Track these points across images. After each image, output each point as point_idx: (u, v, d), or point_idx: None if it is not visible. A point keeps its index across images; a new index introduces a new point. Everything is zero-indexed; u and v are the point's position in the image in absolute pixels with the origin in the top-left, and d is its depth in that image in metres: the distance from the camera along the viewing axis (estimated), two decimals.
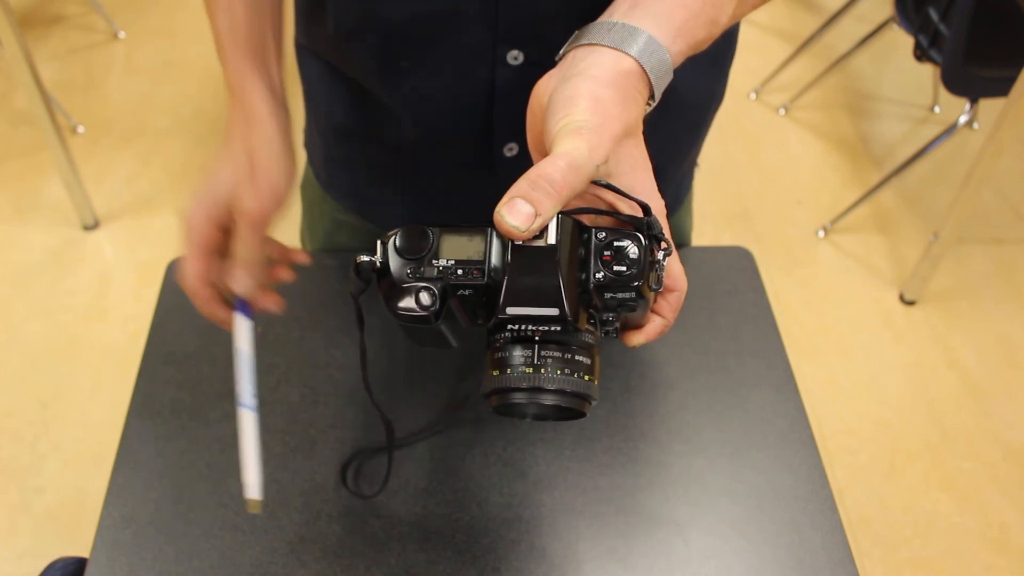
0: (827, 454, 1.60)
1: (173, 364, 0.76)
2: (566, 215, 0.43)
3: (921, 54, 1.79)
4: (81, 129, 2.26)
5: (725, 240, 2.01)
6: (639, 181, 0.46)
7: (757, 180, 2.18)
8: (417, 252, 0.46)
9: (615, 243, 0.44)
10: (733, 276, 0.83)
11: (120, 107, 2.35)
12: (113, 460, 0.70)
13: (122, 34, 2.58)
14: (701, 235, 0.93)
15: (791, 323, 1.84)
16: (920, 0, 1.79)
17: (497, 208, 0.42)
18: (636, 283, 0.44)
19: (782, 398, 0.74)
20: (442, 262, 0.45)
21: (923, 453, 1.62)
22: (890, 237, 2.03)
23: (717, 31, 0.50)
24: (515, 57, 0.62)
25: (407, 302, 0.45)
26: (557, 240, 0.43)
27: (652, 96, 0.47)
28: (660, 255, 0.45)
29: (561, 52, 0.49)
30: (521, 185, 0.42)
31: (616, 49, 0.46)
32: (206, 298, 0.61)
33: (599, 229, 0.44)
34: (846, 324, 1.85)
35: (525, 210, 0.41)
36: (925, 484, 1.58)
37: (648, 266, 0.44)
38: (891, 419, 1.67)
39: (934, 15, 1.73)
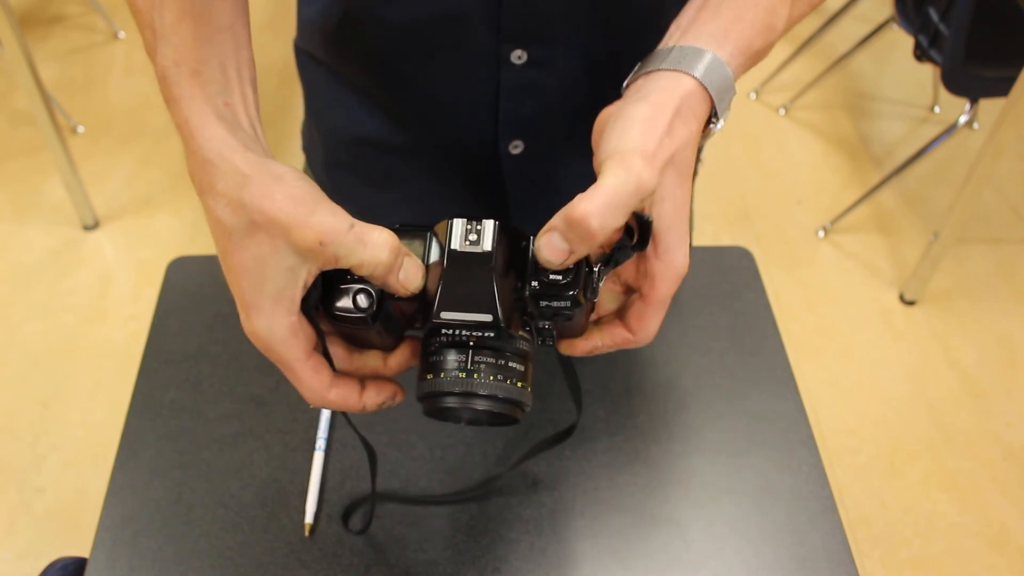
0: (827, 454, 1.60)
1: (173, 364, 0.76)
2: (505, 223, 0.44)
3: (921, 54, 1.79)
4: (81, 129, 2.26)
5: (725, 240, 2.00)
6: (675, 225, 0.44)
7: (757, 180, 2.18)
8: None
9: None
10: (733, 276, 0.83)
11: (120, 107, 2.35)
12: (113, 460, 0.70)
13: (122, 34, 2.58)
14: (701, 235, 0.93)
15: (791, 323, 1.84)
16: (920, 0, 1.79)
17: (538, 236, 0.43)
18: (571, 292, 0.44)
19: (782, 398, 0.74)
20: None
21: (923, 453, 1.62)
22: (890, 237, 2.03)
23: (775, 37, 0.49)
24: (519, 57, 0.62)
25: (344, 303, 0.44)
26: (493, 247, 0.43)
27: (715, 114, 0.47)
28: (596, 268, 0.45)
29: (625, 83, 0.49)
30: (558, 223, 0.42)
31: (675, 71, 0.45)
32: (352, 395, 0.47)
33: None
34: (846, 324, 1.85)
35: (561, 247, 0.42)
36: (925, 484, 1.58)
37: (585, 276, 0.44)
38: (891, 419, 1.67)
39: (934, 15, 1.73)
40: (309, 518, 0.66)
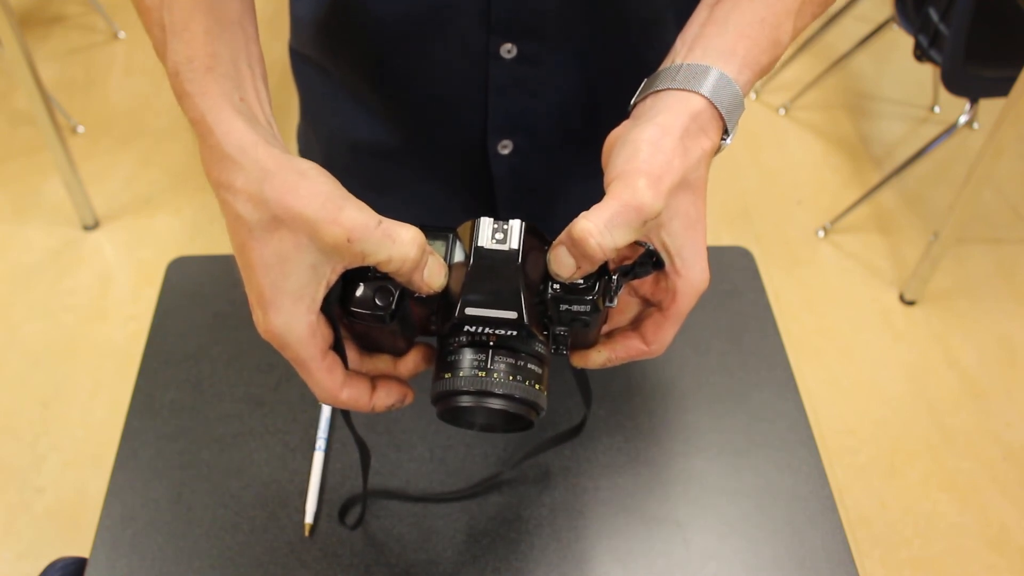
0: (827, 454, 1.60)
1: (173, 364, 0.76)
2: (531, 224, 0.44)
3: (921, 54, 1.79)
4: (81, 129, 2.26)
5: (725, 240, 2.00)
6: (689, 241, 0.45)
7: (757, 180, 2.18)
8: None
9: None
10: (733, 276, 0.83)
11: (120, 107, 2.35)
12: (113, 460, 0.70)
13: (122, 34, 2.58)
14: None
15: (791, 323, 1.84)
16: (920, 0, 1.79)
17: (550, 249, 0.44)
18: (591, 296, 0.44)
19: (782, 398, 0.74)
20: None
21: (923, 453, 1.62)
22: (890, 237, 2.03)
23: (781, 51, 0.49)
24: (508, 50, 0.62)
25: (362, 300, 0.44)
26: (520, 246, 0.43)
27: (726, 131, 0.47)
28: (615, 277, 0.45)
29: (632, 102, 0.49)
30: (564, 238, 0.43)
31: (684, 90, 0.45)
32: (363, 395, 0.47)
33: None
34: (846, 324, 1.85)
35: (567, 262, 0.43)
36: (925, 484, 1.58)
37: (605, 283, 0.45)
38: (891, 419, 1.67)
39: (934, 15, 1.73)
40: (309, 518, 0.66)
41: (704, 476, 0.69)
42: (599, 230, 0.41)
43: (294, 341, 0.43)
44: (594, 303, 0.44)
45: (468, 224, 0.45)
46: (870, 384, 1.73)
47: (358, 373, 0.48)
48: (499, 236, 0.43)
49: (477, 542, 0.65)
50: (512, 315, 0.43)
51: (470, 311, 0.43)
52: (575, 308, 0.45)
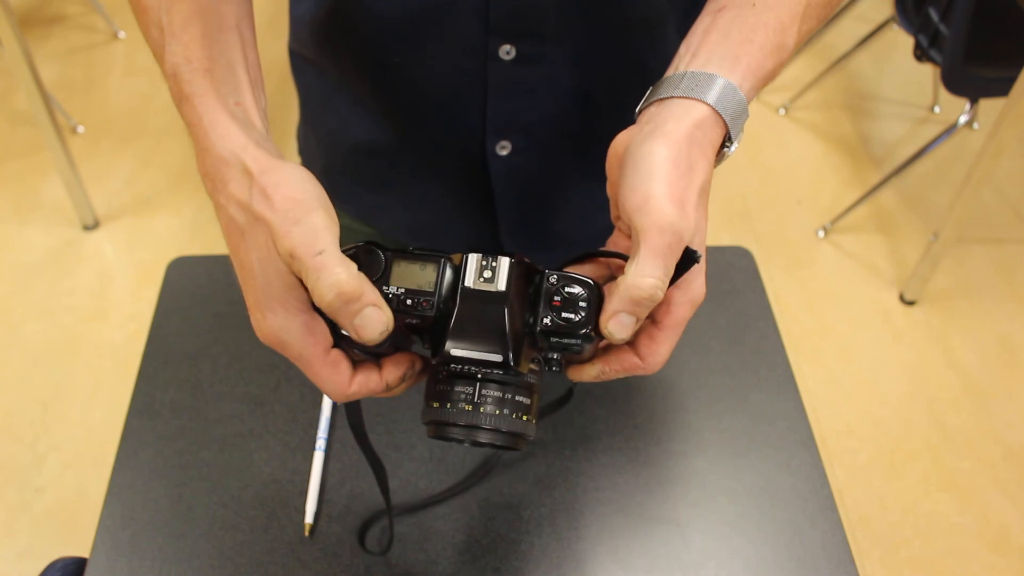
0: (827, 454, 1.60)
1: (173, 364, 0.76)
2: (520, 259, 0.44)
3: (921, 54, 1.79)
4: (81, 129, 2.26)
5: (725, 240, 2.00)
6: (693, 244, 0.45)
7: (757, 180, 2.18)
8: (368, 276, 0.43)
9: (566, 289, 0.44)
10: (733, 276, 0.83)
11: (120, 107, 2.35)
12: (113, 460, 0.70)
13: (122, 34, 2.58)
14: None
15: (791, 323, 1.84)
16: (920, 0, 1.79)
17: (605, 323, 0.43)
18: (583, 330, 0.44)
19: (782, 398, 0.74)
20: (392, 289, 0.44)
21: (923, 453, 1.62)
22: (890, 237, 2.03)
23: (786, 56, 0.49)
24: (507, 52, 0.62)
25: None
26: (507, 287, 0.43)
27: (729, 137, 0.47)
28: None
29: (637, 109, 0.48)
30: (622, 305, 0.42)
31: (687, 98, 0.45)
32: (373, 378, 0.47)
33: (551, 273, 0.45)
34: (846, 324, 1.85)
35: (628, 322, 0.42)
36: (925, 484, 1.58)
37: (597, 314, 0.44)
38: (891, 419, 1.67)
39: (934, 15, 1.73)
40: (309, 518, 0.66)
41: (704, 476, 0.69)
42: (663, 284, 0.41)
43: (293, 341, 0.43)
44: (587, 335, 0.44)
45: (459, 256, 0.44)
46: (870, 384, 1.73)
47: (362, 361, 0.47)
48: (487, 275, 0.43)
49: (477, 542, 0.65)
50: (497, 358, 0.43)
51: (455, 352, 0.43)
52: (566, 341, 0.45)
